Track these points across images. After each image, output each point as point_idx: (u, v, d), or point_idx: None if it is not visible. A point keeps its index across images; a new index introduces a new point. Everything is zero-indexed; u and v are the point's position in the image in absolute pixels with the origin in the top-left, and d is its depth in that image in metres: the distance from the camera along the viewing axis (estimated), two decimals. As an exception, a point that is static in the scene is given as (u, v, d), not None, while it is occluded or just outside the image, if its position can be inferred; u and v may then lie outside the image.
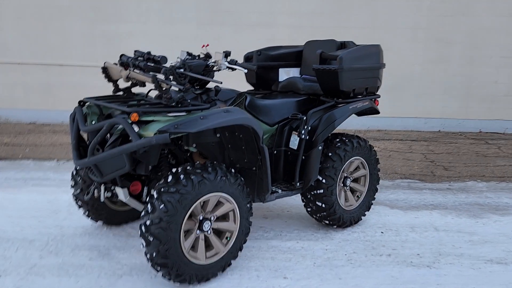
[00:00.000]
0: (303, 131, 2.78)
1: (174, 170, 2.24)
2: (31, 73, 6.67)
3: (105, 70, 2.67)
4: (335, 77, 2.87)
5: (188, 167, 2.23)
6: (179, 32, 6.60)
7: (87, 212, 2.89)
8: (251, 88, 3.64)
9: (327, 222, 2.99)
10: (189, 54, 2.83)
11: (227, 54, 2.65)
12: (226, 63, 2.61)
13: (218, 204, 2.33)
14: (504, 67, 6.70)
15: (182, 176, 2.16)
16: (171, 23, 6.58)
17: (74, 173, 2.85)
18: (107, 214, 2.92)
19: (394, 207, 3.56)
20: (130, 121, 2.14)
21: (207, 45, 2.92)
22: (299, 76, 3.61)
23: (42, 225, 3.03)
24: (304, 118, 2.80)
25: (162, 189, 2.13)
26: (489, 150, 5.79)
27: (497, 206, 3.64)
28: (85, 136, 2.60)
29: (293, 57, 3.63)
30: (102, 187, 2.50)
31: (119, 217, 3.00)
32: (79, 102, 2.63)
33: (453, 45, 6.68)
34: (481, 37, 6.63)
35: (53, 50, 6.61)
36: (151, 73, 2.35)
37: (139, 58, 2.51)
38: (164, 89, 2.25)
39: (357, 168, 3.11)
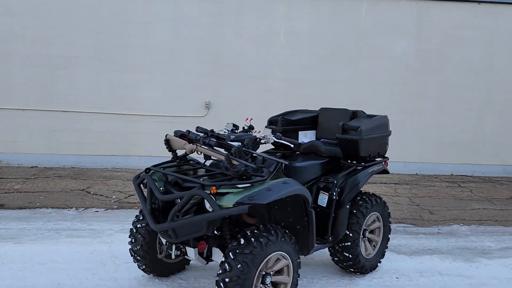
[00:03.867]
0: (334, 193, 3.30)
1: (244, 233, 2.67)
2: (35, 118, 6.89)
3: (167, 141, 3.10)
4: (355, 145, 3.44)
5: (256, 231, 2.67)
6: (182, 82, 7.08)
7: (143, 266, 3.23)
8: (272, 147, 4.14)
9: (352, 270, 3.48)
10: (234, 125, 3.33)
11: (273, 130, 3.15)
12: (274, 138, 3.10)
13: (276, 260, 2.77)
14: (470, 118, 7.64)
15: (253, 239, 2.60)
16: (175, 74, 7.06)
17: (134, 231, 3.20)
18: (160, 267, 3.27)
19: (400, 252, 4.11)
20: (209, 193, 2.57)
21: (251, 118, 3.42)
22: (314, 137, 4.16)
23: (97, 278, 3.33)
24: (335, 181, 3.32)
25: (237, 251, 2.56)
26: (463, 193, 6.55)
27: (483, 250, 4.28)
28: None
29: (309, 121, 4.17)
30: (173, 247, 2.88)
31: (169, 269, 3.36)
32: (146, 170, 3.02)
33: (426, 98, 7.57)
34: (450, 92, 7.56)
35: (58, 97, 6.89)
36: (220, 150, 2.81)
37: (204, 135, 2.97)
38: (234, 165, 2.70)
39: (373, 221, 3.65)
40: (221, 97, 7.19)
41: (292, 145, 3.13)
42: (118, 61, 6.93)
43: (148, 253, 3.17)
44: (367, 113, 3.91)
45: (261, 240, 2.61)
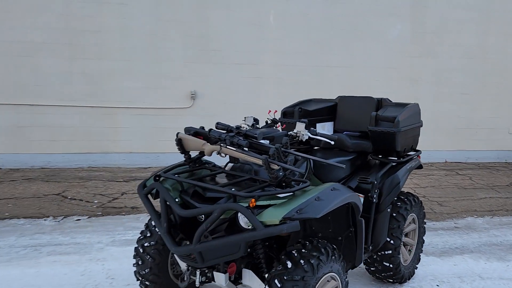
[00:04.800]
0: (374, 195, 2.85)
1: (288, 253, 2.18)
2: (-3, 113, 6.04)
3: (179, 141, 2.53)
4: (392, 138, 3.00)
5: (303, 250, 2.19)
6: (165, 70, 6.43)
7: (154, 292, 2.68)
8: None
9: (391, 280, 3.08)
10: (255, 120, 2.82)
11: (307, 124, 2.66)
12: (309, 134, 2.61)
13: (325, 283, 2.30)
14: (464, 103, 7.43)
15: (302, 261, 2.12)
16: (157, 61, 6.39)
17: (141, 250, 2.63)
18: (173, 291, 2.73)
19: (428, 253, 3.76)
20: (247, 206, 2.06)
21: (275, 111, 2.91)
22: (332, 130, 3.70)
23: (95, 308, 2.75)
24: (375, 182, 2.87)
25: (285, 277, 2.07)
26: (464, 181, 6.34)
27: (511, 245, 4.00)
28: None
29: (327, 111, 3.70)
30: (198, 272, 2.34)
31: (183, 293, 2.82)
32: (155, 177, 2.46)
33: (421, 83, 7.28)
34: (444, 77, 7.31)
35: (23, 89, 6.07)
36: (256, 154, 2.28)
37: (228, 132, 2.43)
38: (272, 169, 2.19)
39: (409, 223, 3.25)
40: (208, 86, 6.60)
41: (332, 142, 2.64)
42: (91, 47, 6.17)
43: (159, 277, 2.62)
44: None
45: (312, 261, 2.13)
